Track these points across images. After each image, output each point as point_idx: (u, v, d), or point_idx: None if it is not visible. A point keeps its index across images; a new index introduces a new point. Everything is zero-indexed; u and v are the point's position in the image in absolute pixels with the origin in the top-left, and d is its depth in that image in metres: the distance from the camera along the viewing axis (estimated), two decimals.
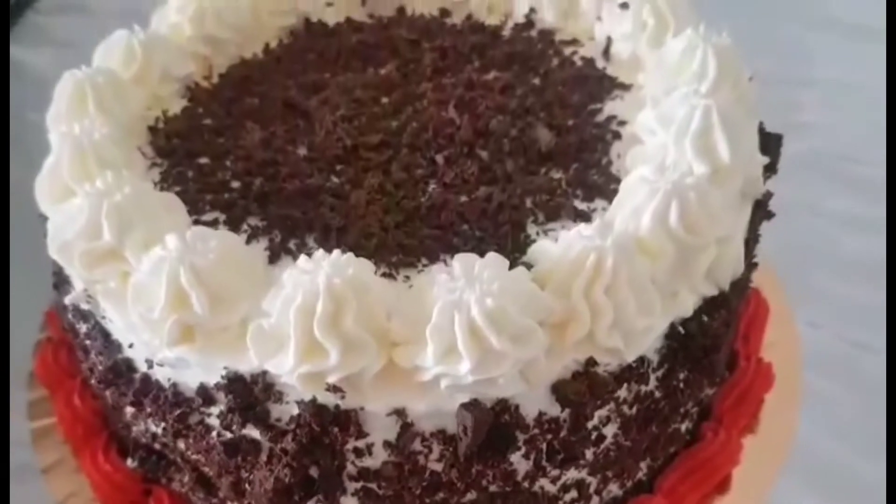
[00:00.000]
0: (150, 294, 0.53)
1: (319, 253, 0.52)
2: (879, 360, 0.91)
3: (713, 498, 0.67)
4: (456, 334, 0.49)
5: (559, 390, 0.52)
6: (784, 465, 0.70)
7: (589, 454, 0.57)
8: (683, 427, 0.66)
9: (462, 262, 0.52)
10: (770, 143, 0.70)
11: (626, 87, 0.74)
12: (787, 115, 1.20)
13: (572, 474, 0.58)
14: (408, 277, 0.57)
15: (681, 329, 0.56)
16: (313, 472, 0.54)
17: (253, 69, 0.79)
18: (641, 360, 0.54)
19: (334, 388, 0.50)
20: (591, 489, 0.60)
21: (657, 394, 0.58)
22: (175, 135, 0.70)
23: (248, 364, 0.52)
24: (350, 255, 0.52)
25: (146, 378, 0.56)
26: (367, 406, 0.51)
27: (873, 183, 1.12)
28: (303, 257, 0.52)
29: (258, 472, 0.55)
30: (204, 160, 0.68)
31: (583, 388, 0.52)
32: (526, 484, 0.56)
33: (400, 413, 0.51)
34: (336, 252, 0.52)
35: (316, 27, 0.85)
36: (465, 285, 0.50)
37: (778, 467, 0.70)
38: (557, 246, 0.55)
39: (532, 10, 0.83)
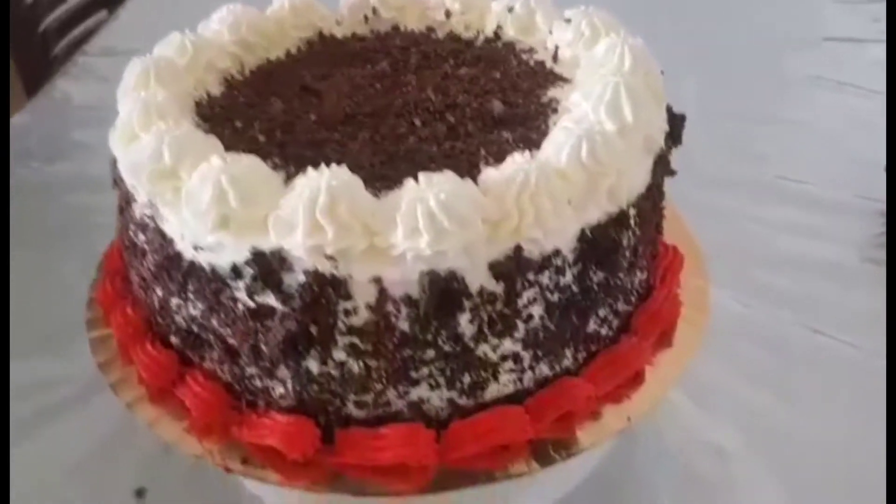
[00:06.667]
0: (198, 195, 0.73)
1: (323, 166, 0.73)
2: (806, 333, 1.10)
3: (630, 389, 0.85)
4: (418, 218, 0.69)
5: (494, 267, 0.71)
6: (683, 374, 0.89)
7: (521, 329, 0.76)
8: (603, 331, 0.85)
9: (426, 174, 0.72)
10: (675, 121, 0.91)
11: (567, 80, 0.95)
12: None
13: (509, 345, 0.76)
14: (388, 196, 0.76)
15: (589, 233, 0.75)
16: (314, 330, 0.73)
17: (277, 66, 1.01)
18: (557, 253, 0.74)
19: (330, 258, 0.70)
20: (525, 363, 0.78)
21: (574, 288, 0.77)
22: (216, 106, 0.91)
23: (268, 243, 0.71)
24: (345, 167, 0.72)
25: (191, 263, 0.76)
26: (354, 274, 0.70)
27: (806, 195, 1.32)
28: (310, 168, 0.73)
29: (272, 332, 0.74)
30: (238, 123, 0.89)
31: (512, 263, 0.71)
32: (471, 345, 0.74)
33: (377, 280, 0.70)
34: (334, 165, 0.72)
35: (328, 38, 1.07)
36: (426, 186, 0.70)
37: (679, 372, 0.88)
38: (499, 170, 0.75)
39: (499, 26, 1.05)
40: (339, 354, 0.74)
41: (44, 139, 1.61)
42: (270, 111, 0.89)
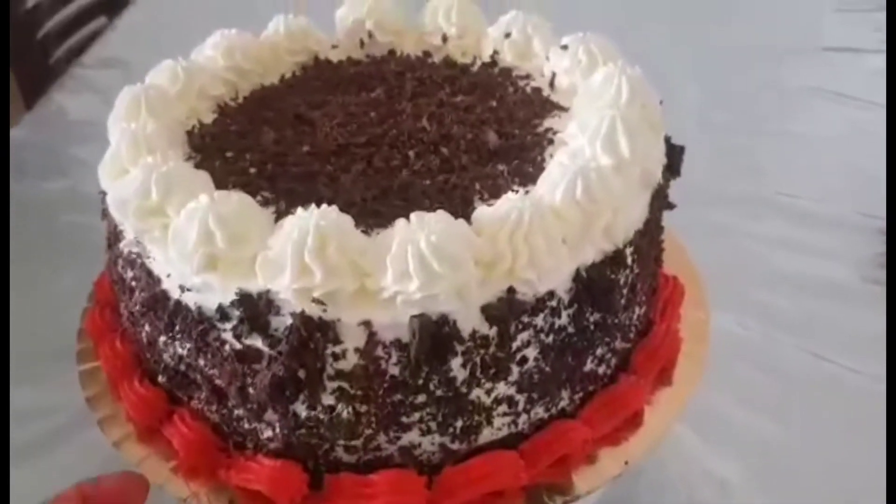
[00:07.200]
0: (184, 235, 0.71)
1: (313, 206, 0.71)
2: (807, 358, 1.08)
3: (629, 430, 0.83)
4: (408, 261, 0.67)
5: (487, 310, 0.69)
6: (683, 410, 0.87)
7: (515, 373, 0.74)
8: (601, 370, 0.83)
9: (417, 214, 0.70)
10: (674, 153, 0.89)
11: (563, 109, 0.93)
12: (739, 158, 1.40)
13: (503, 389, 0.74)
14: (379, 234, 0.74)
15: (584, 273, 0.73)
16: (301, 374, 0.71)
17: (271, 92, 0.99)
18: (552, 294, 0.72)
19: (318, 301, 0.68)
20: (520, 406, 0.76)
21: (570, 329, 0.75)
22: (208, 135, 0.89)
23: (255, 285, 0.69)
24: (335, 207, 0.71)
25: (178, 303, 0.74)
26: (343, 318, 0.68)
27: (806, 211, 1.30)
28: (300, 208, 0.71)
29: (259, 375, 0.72)
30: (229, 154, 0.87)
31: (505, 306, 0.69)
32: (464, 389, 0.72)
33: (367, 324, 0.68)
34: (324, 205, 0.71)
35: (323, 63, 1.05)
36: (417, 227, 0.68)
37: (679, 411, 0.86)
38: (492, 208, 0.73)
39: (496, 51, 1.03)
40: (328, 399, 0.72)
41: (38, 154, 1.58)
42: (262, 141, 0.88)
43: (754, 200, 1.33)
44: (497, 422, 0.76)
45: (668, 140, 0.89)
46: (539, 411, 0.79)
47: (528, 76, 1.00)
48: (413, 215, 0.70)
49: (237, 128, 0.92)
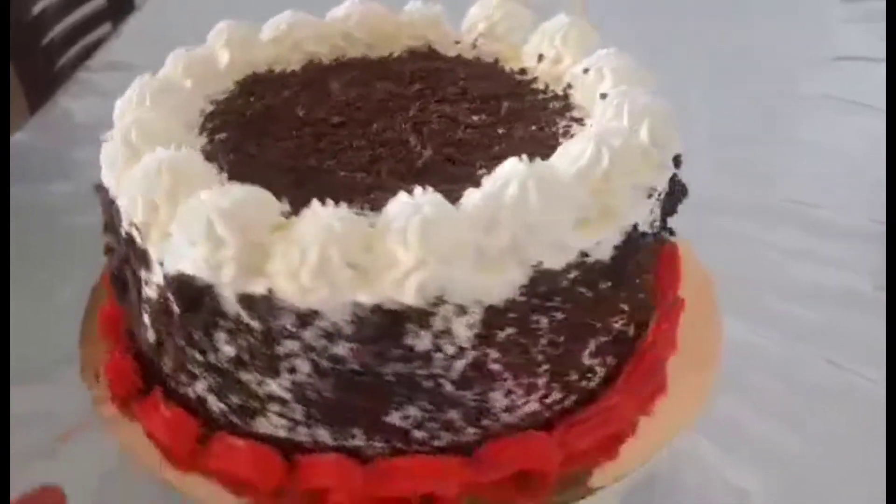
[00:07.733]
0: (113, 140, 0.83)
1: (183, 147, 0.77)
2: (824, 367, 1.02)
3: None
4: (188, 219, 0.70)
5: (245, 301, 0.69)
6: None
7: (286, 378, 0.72)
8: (419, 434, 0.74)
9: (235, 185, 0.72)
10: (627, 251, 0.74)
11: None
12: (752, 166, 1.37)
13: (274, 387, 0.73)
14: None
15: (369, 313, 0.67)
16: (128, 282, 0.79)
17: (360, 63, 1.03)
18: (317, 314, 0.67)
19: (136, 227, 0.75)
20: (296, 416, 0.74)
21: (353, 365, 0.70)
22: (262, 80, 0.99)
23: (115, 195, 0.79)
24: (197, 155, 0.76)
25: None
26: (150, 251, 0.74)
27: (820, 220, 1.25)
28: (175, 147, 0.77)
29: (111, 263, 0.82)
30: (252, 98, 0.95)
31: (264, 304, 0.67)
32: (231, 367, 0.73)
33: (161, 264, 0.73)
34: (190, 151, 0.76)
35: (426, 52, 1.05)
36: (217, 194, 0.70)
37: None
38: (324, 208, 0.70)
39: (569, 85, 0.94)
40: (146, 317, 0.79)
41: (42, 158, 1.51)
42: (280, 96, 0.95)
43: (767, 209, 1.29)
44: (273, 419, 0.75)
45: (633, 232, 0.74)
46: (323, 434, 0.75)
47: (579, 120, 0.89)
48: (229, 185, 0.71)
49: (295, 80, 0.99)
